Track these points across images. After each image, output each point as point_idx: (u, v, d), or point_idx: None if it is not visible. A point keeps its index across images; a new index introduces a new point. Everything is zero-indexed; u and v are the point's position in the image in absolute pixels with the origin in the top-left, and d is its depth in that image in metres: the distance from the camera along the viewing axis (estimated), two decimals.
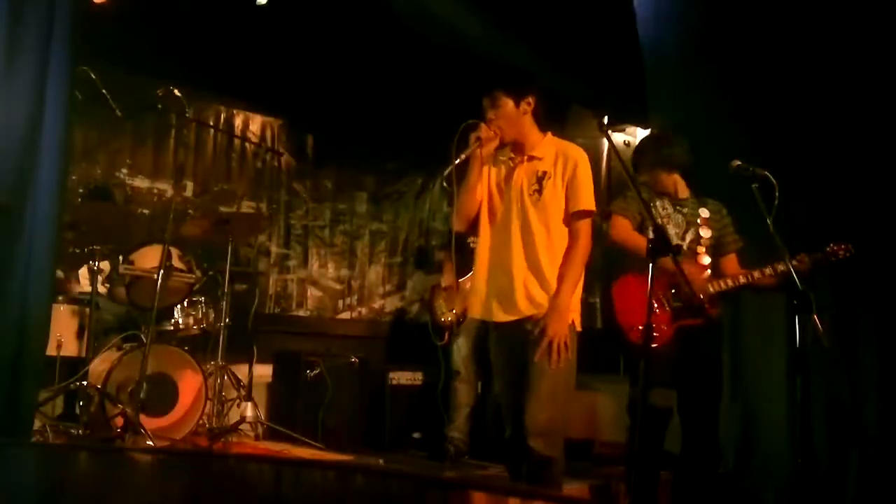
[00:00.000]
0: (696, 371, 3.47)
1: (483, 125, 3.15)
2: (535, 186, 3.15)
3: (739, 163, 3.47)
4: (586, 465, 5.21)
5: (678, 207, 3.70)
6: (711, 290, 3.49)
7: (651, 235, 2.86)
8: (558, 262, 3.12)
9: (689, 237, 3.65)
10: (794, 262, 3.36)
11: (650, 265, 2.84)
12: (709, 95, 4.47)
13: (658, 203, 3.68)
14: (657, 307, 3.50)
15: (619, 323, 3.53)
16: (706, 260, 3.62)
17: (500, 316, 3.16)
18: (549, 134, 3.27)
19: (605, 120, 5.91)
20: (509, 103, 3.17)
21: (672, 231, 3.62)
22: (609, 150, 7.06)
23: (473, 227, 3.30)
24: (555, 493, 2.78)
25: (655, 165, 3.71)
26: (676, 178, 3.75)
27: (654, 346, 3.41)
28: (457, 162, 3.10)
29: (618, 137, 6.98)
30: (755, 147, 3.85)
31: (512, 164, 3.23)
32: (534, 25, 5.63)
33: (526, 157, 3.22)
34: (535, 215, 3.14)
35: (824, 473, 3.83)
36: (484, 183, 3.25)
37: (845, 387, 3.87)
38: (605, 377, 6.22)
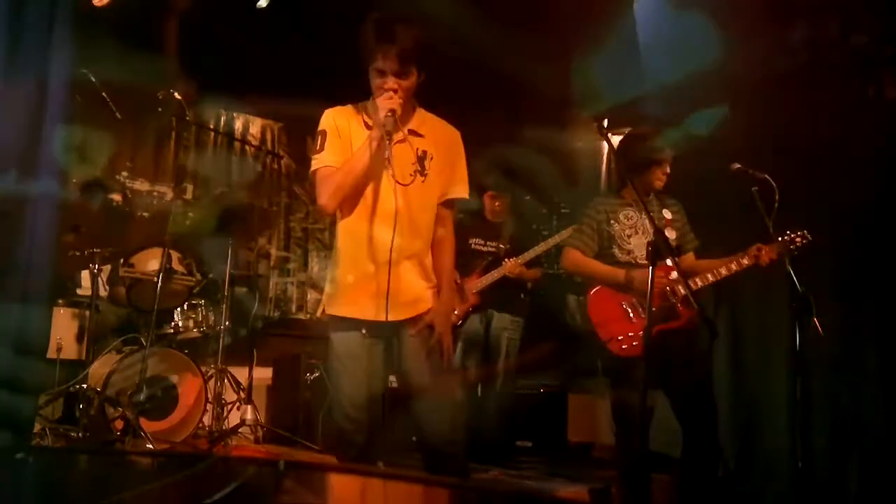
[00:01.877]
0: (683, 373, 3.44)
1: (394, 96, 2.67)
2: (417, 167, 2.78)
3: (739, 166, 3.48)
4: (585, 469, 5.21)
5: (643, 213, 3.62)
6: (682, 291, 3.46)
7: (651, 239, 2.86)
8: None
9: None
10: (755, 254, 3.41)
11: (650, 268, 2.84)
12: (708, 97, 4.47)
13: (622, 214, 3.61)
14: (633, 315, 3.47)
15: (598, 335, 3.50)
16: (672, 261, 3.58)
17: (394, 314, 2.78)
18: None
19: (605, 123, 5.91)
20: (415, 76, 2.72)
21: (643, 240, 3.54)
22: (609, 153, 7.07)
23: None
24: (555, 497, 2.78)
25: (647, 165, 3.62)
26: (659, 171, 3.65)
27: (633, 353, 3.38)
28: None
29: (617, 141, 6.98)
30: (755, 150, 3.85)
31: (387, 140, 2.69)
32: (534, 29, 5.64)
33: (406, 132, 2.79)
34: (417, 200, 2.79)
35: (825, 477, 3.82)
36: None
37: (846, 389, 3.87)
38: (604, 380, 6.22)
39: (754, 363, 4.27)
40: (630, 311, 3.48)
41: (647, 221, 3.57)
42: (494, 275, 4.72)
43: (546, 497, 3.02)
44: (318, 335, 6.59)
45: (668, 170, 3.61)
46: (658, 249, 2.81)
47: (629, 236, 3.59)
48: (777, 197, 3.26)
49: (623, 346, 3.43)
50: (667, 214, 3.65)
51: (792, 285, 3.20)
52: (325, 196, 2.78)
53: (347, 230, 2.82)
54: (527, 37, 5.59)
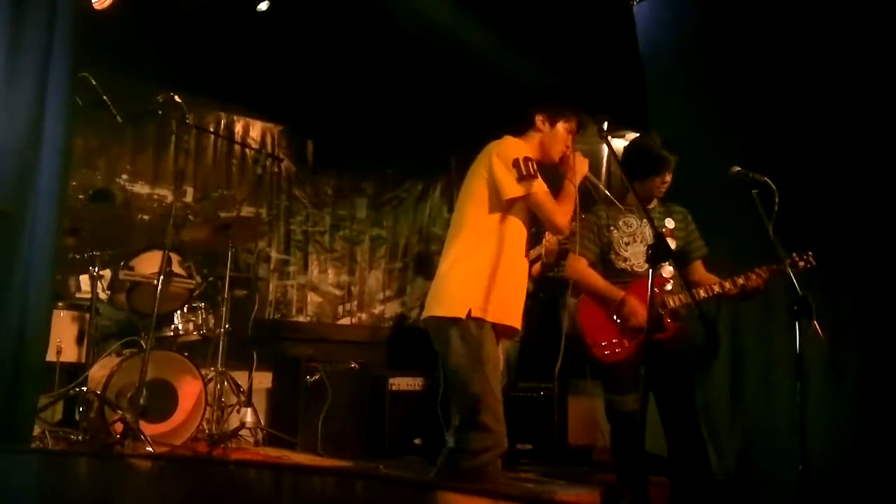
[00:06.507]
0: (667, 381, 3.43)
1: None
2: None
3: (739, 168, 3.47)
4: (586, 471, 5.21)
5: (645, 220, 3.58)
6: (672, 304, 3.47)
7: (652, 242, 2.85)
8: None
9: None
10: (757, 273, 3.40)
11: (650, 271, 2.83)
12: (708, 101, 4.48)
13: (622, 221, 3.62)
14: (617, 324, 3.49)
15: (585, 339, 3.53)
16: (668, 272, 3.56)
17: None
18: None
19: (605, 126, 5.90)
20: None
21: (640, 248, 3.55)
22: (609, 156, 7.08)
23: None
24: (559, 500, 2.78)
25: (649, 173, 3.61)
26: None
27: (615, 359, 3.47)
28: None
29: (617, 143, 6.99)
30: (755, 153, 3.85)
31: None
32: (533, 32, 5.65)
33: None
34: None
35: (825, 479, 3.82)
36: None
37: (847, 392, 3.86)
38: (596, 383, 6.21)
39: (754, 365, 4.27)
40: (616, 319, 3.51)
41: (647, 230, 3.57)
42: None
43: (549, 499, 3.01)
44: (318, 338, 6.62)
45: (669, 179, 3.60)
46: (657, 255, 2.80)
47: (627, 244, 3.60)
48: (777, 200, 3.25)
49: (605, 353, 3.50)
50: (669, 224, 3.63)
51: (791, 288, 3.20)
52: (566, 217, 3.20)
53: (513, 244, 3.19)
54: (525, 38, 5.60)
